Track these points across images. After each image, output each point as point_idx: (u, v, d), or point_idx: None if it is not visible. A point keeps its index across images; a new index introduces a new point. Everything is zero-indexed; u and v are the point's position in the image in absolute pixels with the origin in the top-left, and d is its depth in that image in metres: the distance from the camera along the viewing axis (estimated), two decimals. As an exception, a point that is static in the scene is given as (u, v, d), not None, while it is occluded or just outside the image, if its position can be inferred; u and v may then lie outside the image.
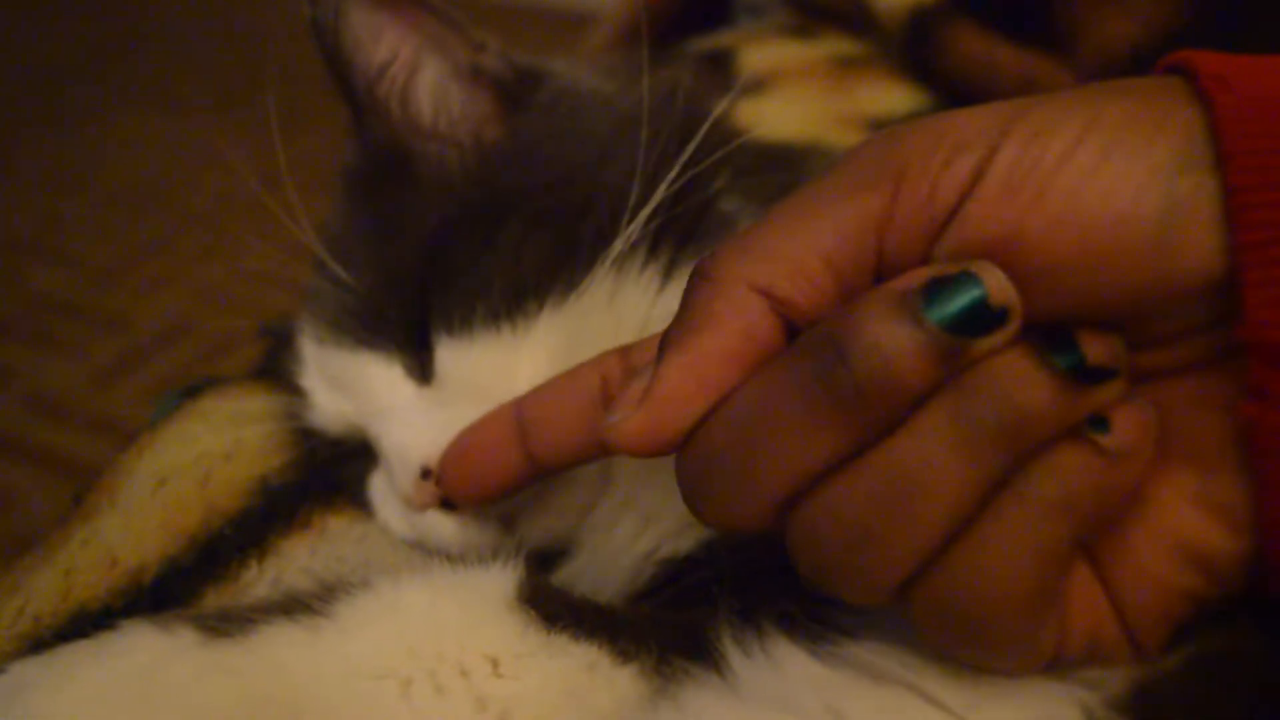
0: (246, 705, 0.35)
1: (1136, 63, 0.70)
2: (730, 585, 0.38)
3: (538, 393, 0.40)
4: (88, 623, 0.42)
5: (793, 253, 0.29)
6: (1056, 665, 0.30)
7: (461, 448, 0.42)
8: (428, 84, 0.51)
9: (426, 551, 0.46)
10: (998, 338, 0.27)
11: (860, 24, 0.87)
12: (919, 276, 0.28)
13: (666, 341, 0.31)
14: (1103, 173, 0.27)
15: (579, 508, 0.46)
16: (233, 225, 0.53)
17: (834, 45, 0.87)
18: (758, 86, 0.81)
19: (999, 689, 0.31)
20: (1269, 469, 0.28)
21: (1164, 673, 0.30)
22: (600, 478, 0.45)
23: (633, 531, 0.44)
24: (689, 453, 0.31)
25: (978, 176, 0.28)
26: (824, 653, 0.33)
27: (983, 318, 0.27)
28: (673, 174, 0.45)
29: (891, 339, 0.27)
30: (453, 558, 0.42)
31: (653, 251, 0.46)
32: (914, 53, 0.82)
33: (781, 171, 0.50)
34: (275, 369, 0.55)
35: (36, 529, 0.50)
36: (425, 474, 0.44)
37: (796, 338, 0.30)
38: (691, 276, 0.31)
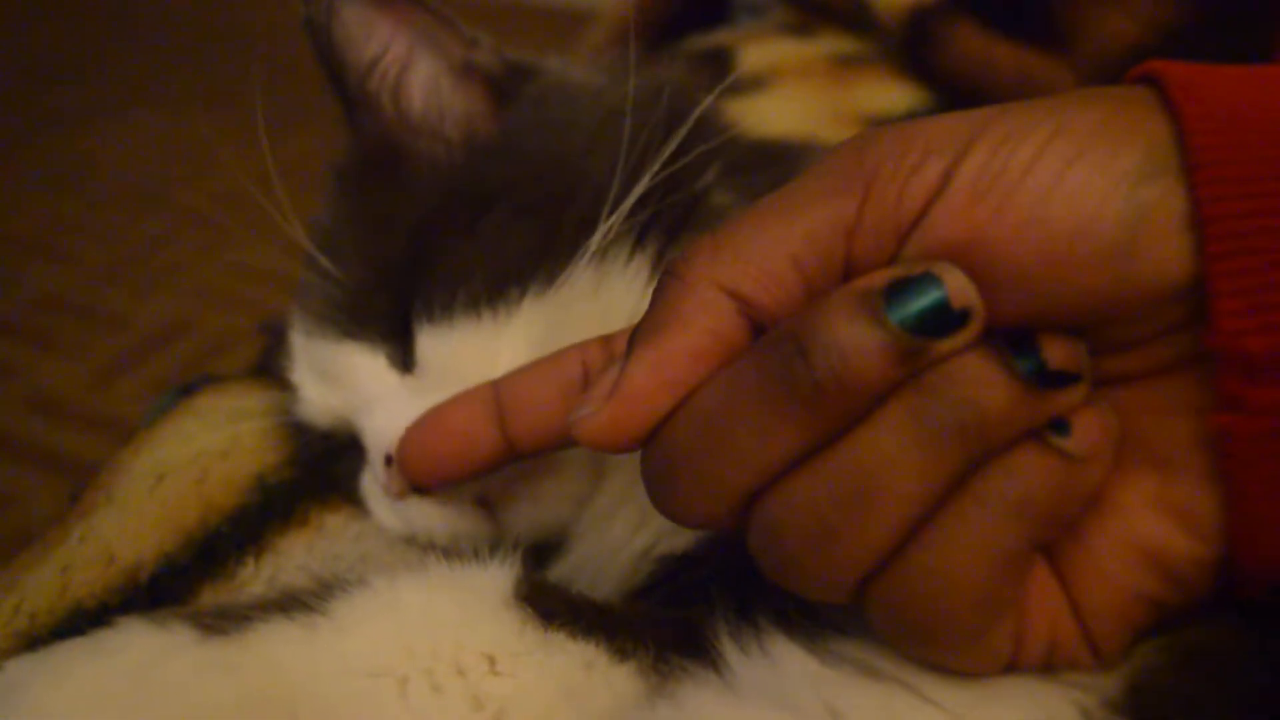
0: (243, 703, 0.35)
1: (1135, 61, 0.69)
2: (727, 582, 0.38)
3: (518, 374, 0.40)
4: (84, 620, 0.42)
5: (761, 254, 0.30)
6: (1014, 668, 0.30)
7: (428, 428, 0.41)
8: (420, 80, 0.51)
9: (423, 549, 0.46)
10: (958, 339, 0.27)
11: (859, 22, 0.87)
12: (882, 277, 0.28)
13: (635, 338, 0.31)
14: (1068, 179, 0.27)
15: (566, 498, 0.46)
16: (231, 224, 0.53)
17: (833, 43, 0.87)
18: (757, 84, 0.81)
19: (995, 689, 0.31)
20: (1242, 477, 0.28)
21: (1157, 671, 0.30)
22: (591, 470, 0.45)
23: (629, 528, 0.44)
24: (653, 449, 0.31)
25: (944, 182, 0.28)
26: (822, 650, 0.33)
27: (944, 319, 0.27)
28: (655, 166, 0.46)
29: (852, 337, 0.27)
30: (449, 554, 0.42)
31: (640, 243, 0.47)
32: (913, 51, 0.82)
33: (776, 167, 0.50)
34: (271, 365, 0.55)
35: (35, 527, 0.50)
36: (389, 461, 0.44)
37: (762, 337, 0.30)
38: (662, 275, 0.31)
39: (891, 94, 0.81)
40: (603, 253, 0.45)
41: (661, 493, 0.31)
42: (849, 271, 0.30)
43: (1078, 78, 0.72)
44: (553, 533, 0.46)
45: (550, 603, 0.37)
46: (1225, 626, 0.31)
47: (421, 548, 0.46)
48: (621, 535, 0.44)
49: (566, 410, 0.35)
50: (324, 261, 0.48)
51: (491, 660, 0.36)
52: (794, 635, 0.34)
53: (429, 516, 0.45)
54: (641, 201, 0.45)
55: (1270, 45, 0.65)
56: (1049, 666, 0.30)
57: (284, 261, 0.53)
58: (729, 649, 0.34)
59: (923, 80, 0.82)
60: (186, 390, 0.55)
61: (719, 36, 0.90)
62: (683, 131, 0.46)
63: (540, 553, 0.45)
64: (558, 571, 0.45)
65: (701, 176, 0.48)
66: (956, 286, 0.27)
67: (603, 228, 0.45)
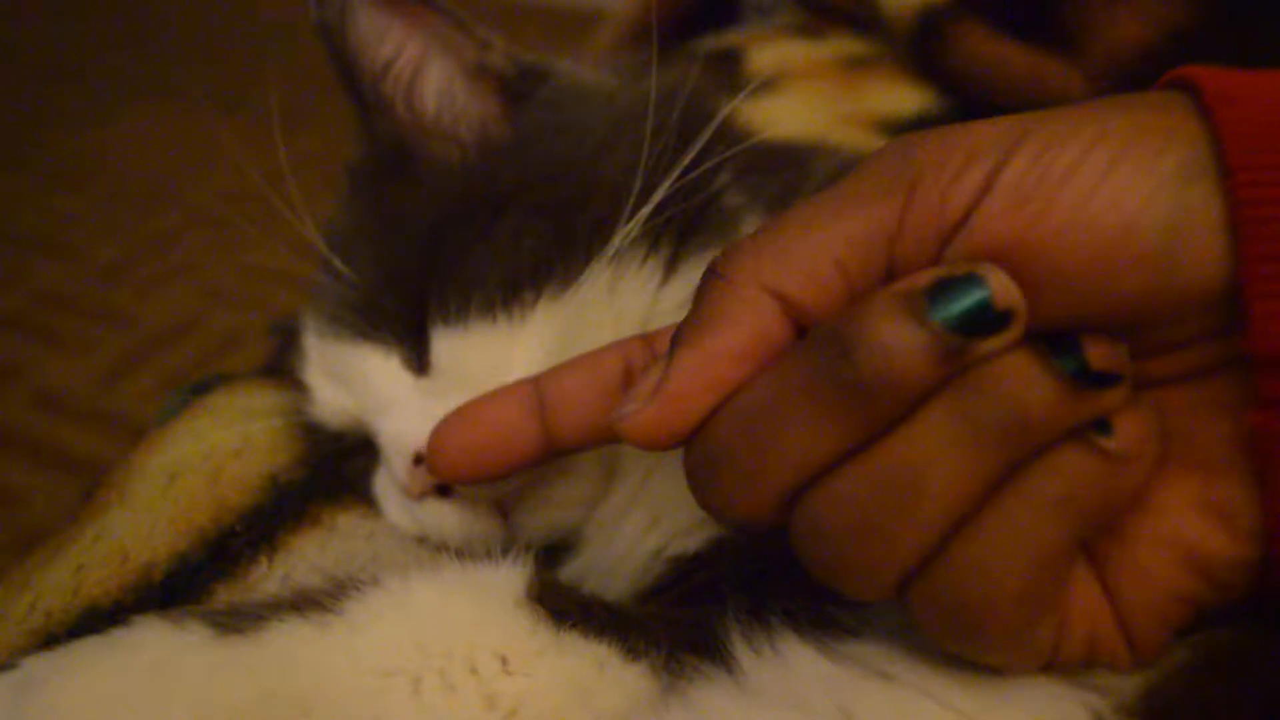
0: (257, 701, 0.35)
1: (1145, 62, 0.70)
2: (739, 583, 0.38)
3: (560, 372, 0.40)
4: (99, 619, 0.43)
5: (806, 256, 0.30)
6: (1055, 666, 0.30)
7: (464, 424, 0.40)
8: (433, 82, 0.51)
9: (435, 548, 0.46)
10: (1001, 339, 0.28)
11: (868, 24, 0.87)
12: (925, 277, 0.28)
13: (679, 338, 0.31)
14: (1110, 182, 0.28)
15: (579, 501, 0.46)
16: (239, 222, 0.53)
17: (842, 45, 0.87)
18: (765, 85, 0.81)
19: (1009, 691, 0.31)
20: (1278, 477, 0.28)
21: (1173, 676, 0.30)
22: (602, 472, 0.46)
23: (641, 529, 0.44)
24: (696, 447, 0.31)
25: (988, 185, 0.29)
26: (833, 651, 0.34)
27: (987, 319, 0.27)
28: (676, 172, 0.46)
29: (896, 337, 0.27)
30: (462, 554, 0.42)
31: (654, 246, 0.47)
32: (922, 52, 0.82)
33: (787, 169, 0.51)
34: (283, 365, 0.55)
35: (44, 526, 0.50)
36: (418, 460, 0.45)
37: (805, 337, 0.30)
38: (706, 274, 0.32)
39: (901, 96, 0.81)
40: (617, 255, 0.46)
41: (705, 489, 0.32)
42: (892, 274, 0.30)
43: (1087, 79, 0.72)
44: (564, 534, 0.46)
45: (562, 603, 0.38)
46: (1241, 631, 0.31)
47: (434, 548, 0.47)
48: (633, 536, 0.44)
49: (608, 408, 0.35)
50: (338, 263, 0.49)
51: (504, 660, 0.36)
52: (805, 636, 0.34)
53: (443, 517, 0.45)
54: (657, 205, 0.46)
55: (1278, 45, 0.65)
56: (1088, 663, 0.31)
57: (293, 260, 0.53)
58: (740, 649, 0.34)
59: (932, 82, 0.82)
60: (199, 389, 0.55)
61: (729, 37, 0.90)
62: (705, 137, 0.47)
63: (552, 554, 0.45)
64: (569, 572, 0.45)
65: (715, 179, 0.48)
66: (999, 286, 0.28)
67: (621, 231, 0.45)
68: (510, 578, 0.38)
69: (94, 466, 0.52)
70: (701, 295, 0.32)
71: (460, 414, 0.40)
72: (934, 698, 0.31)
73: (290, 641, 0.36)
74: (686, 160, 0.46)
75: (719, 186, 0.48)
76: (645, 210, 0.45)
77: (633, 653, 0.36)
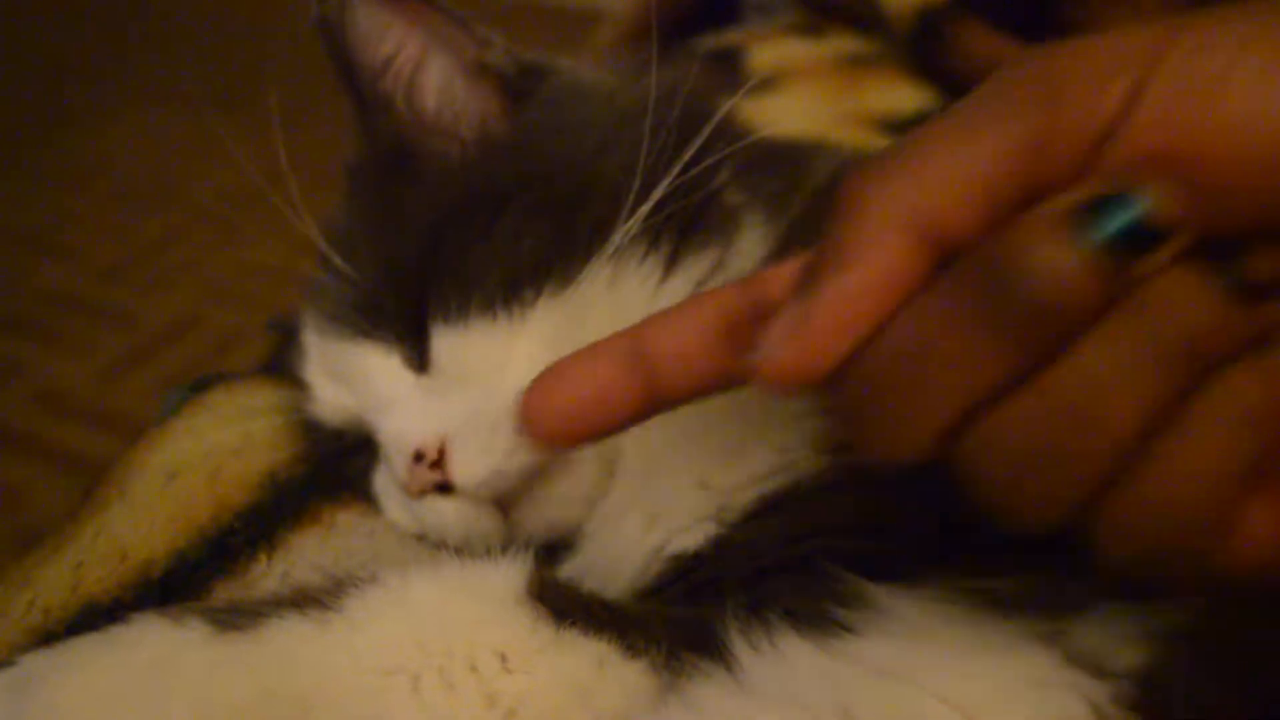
0: (257, 699, 0.35)
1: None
2: (738, 581, 0.38)
3: (656, 325, 0.37)
4: (98, 616, 0.43)
5: (946, 179, 0.28)
6: (1232, 578, 0.29)
7: (560, 385, 0.37)
8: (433, 80, 0.51)
9: (435, 546, 0.46)
10: (1163, 254, 0.26)
11: (869, 23, 0.87)
12: (1079, 194, 0.27)
13: (816, 274, 0.30)
14: (1268, 85, 0.27)
15: (579, 499, 0.46)
16: (240, 220, 0.53)
17: (842, 44, 0.87)
18: (766, 84, 0.81)
19: (1007, 686, 0.31)
20: None
21: (1172, 665, 0.30)
22: (602, 470, 0.46)
23: (640, 527, 0.44)
24: (847, 385, 0.30)
25: (1136, 95, 0.27)
26: (832, 649, 0.34)
27: (1147, 234, 0.26)
28: (675, 171, 0.46)
29: (1055, 261, 0.26)
30: (461, 552, 0.42)
31: (654, 244, 0.46)
32: (922, 51, 0.82)
33: (787, 167, 0.51)
34: (283, 363, 0.55)
35: (45, 524, 0.50)
36: (419, 458, 0.45)
37: (949, 265, 0.29)
38: (838, 204, 0.30)
39: (900, 94, 0.81)
40: (617, 253, 0.45)
41: (860, 428, 0.30)
42: (1039, 192, 0.28)
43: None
44: (564, 532, 0.46)
45: (562, 601, 0.38)
46: (1242, 617, 0.31)
47: (434, 545, 0.47)
48: (633, 534, 0.44)
49: (716, 355, 0.34)
50: (338, 261, 0.49)
51: (504, 657, 0.36)
52: (804, 634, 0.34)
53: (443, 515, 0.45)
54: (657, 202, 0.45)
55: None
56: (1265, 574, 0.29)
57: (294, 258, 0.53)
58: (740, 647, 0.34)
59: (932, 81, 0.82)
60: (198, 387, 0.55)
61: (729, 36, 0.90)
62: (703, 135, 0.46)
63: (552, 552, 0.45)
64: (569, 570, 0.45)
65: (715, 177, 0.48)
66: (1159, 199, 0.26)
67: (621, 229, 0.45)
68: (510, 576, 0.38)
69: (94, 465, 0.52)
70: (838, 227, 0.30)
71: (554, 374, 0.37)
72: (933, 693, 0.31)
73: (290, 639, 0.36)
74: (686, 158, 0.46)
75: (719, 184, 0.48)
76: (645, 208, 0.45)
77: (632, 650, 0.36)
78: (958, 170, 0.28)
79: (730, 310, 0.36)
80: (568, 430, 0.37)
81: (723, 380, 0.36)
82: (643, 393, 0.36)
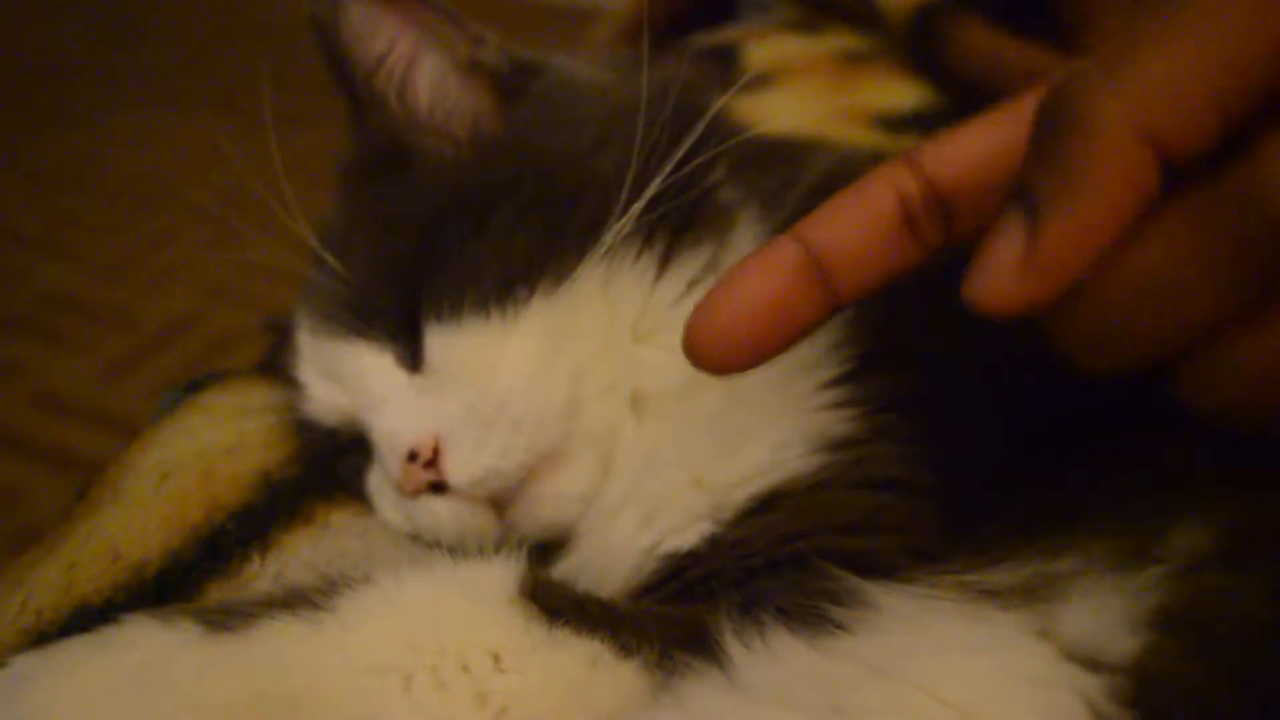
0: (249, 699, 0.35)
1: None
2: (731, 580, 0.38)
3: (827, 222, 0.35)
4: (90, 617, 0.43)
5: (1176, 89, 0.26)
6: None
7: (735, 303, 0.34)
8: (425, 77, 0.51)
9: (428, 546, 0.46)
10: None
11: (865, 19, 0.87)
12: None
13: (1042, 194, 0.28)
14: None
15: (573, 498, 0.46)
16: (237, 221, 0.53)
17: (839, 40, 0.87)
18: (762, 81, 0.81)
19: (1002, 683, 0.31)
20: None
21: (1168, 662, 0.30)
22: (596, 469, 0.45)
23: (635, 526, 0.44)
24: (1084, 312, 0.28)
25: None
26: (825, 647, 0.33)
27: None
28: (668, 168, 0.45)
29: None
30: (455, 551, 0.42)
31: (647, 243, 0.46)
32: (919, 48, 0.82)
33: (782, 165, 0.50)
34: (276, 363, 0.55)
35: (43, 524, 0.50)
36: (413, 457, 0.44)
37: (1181, 184, 0.27)
38: (1059, 117, 0.28)
39: (897, 91, 0.81)
40: (611, 251, 0.45)
41: (1081, 347, 0.29)
42: (1273, 102, 0.26)
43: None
44: (559, 531, 0.46)
45: (555, 600, 0.38)
46: (1234, 612, 0.30)
47: (427, 545, 0.46)
48: (627, 533, 0.44)
49: (892, 248, 0.33)
50: (331, 260, 0.48)
51: (496, 657, 0.36)
52: (797, 632, 0.34)
53: (437, 515, 0.45)
54: (651, 200, 0.45)
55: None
56: None
57: (290, 258, 0.53)
58: (733, 645, 0.34)
59: (929, 77, 0.82)
60: (192, 387, 0.55)
61: (726, 33, 0.90)
62: (696, 132, 0.46)
63: (545, 551, 0.45)
64: (562, 569, 0.45)
65: (709, 175, 0.48)
66: None
67: (614, 227, 0.45)
68: (503, 575, 0.38)
69: (94, 465, 0.52)
70: (1062, 143, 0.27)
71: (723, 291, 0.34)
72: (927, 692, 0.31)
73: (282, 639, 0.36)
74: (679, 155, 0.46)
75: (713, 182, 0.48)
76: (638, 206, 0.45)
77: (625, 650, 0.36)
78: (1189, 82, 0.26)
79: (907, 196, 0.34)
80: (747, 343, 0.34)
81: (906, 270, 0.34)
82: (822, 296, 0.34)
